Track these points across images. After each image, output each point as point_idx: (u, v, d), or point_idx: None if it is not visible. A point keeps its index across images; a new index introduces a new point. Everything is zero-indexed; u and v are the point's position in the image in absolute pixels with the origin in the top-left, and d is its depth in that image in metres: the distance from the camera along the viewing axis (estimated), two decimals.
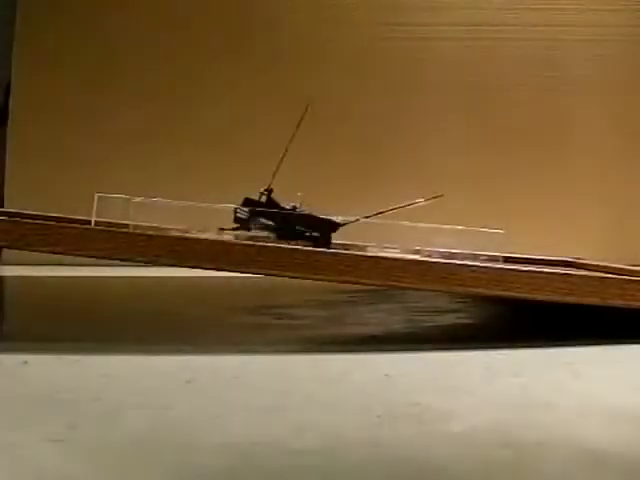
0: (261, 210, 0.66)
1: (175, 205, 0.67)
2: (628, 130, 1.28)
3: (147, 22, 1.26)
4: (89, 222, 0.64)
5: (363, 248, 0.70)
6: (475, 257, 0.67)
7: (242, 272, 0.60)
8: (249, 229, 0.65)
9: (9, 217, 0.61)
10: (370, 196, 0.91)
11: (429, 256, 0.66)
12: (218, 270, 0.60)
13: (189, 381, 0.52)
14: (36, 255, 0.59)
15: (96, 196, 0.64)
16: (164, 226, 0.65)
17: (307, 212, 0.67)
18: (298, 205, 0.67)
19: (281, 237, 0.65)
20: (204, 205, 0.66)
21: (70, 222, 0.67)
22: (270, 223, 0.65)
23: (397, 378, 0.54)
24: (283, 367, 0.57)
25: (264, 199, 0.67)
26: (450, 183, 1.25)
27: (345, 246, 0.71)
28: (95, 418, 0.43)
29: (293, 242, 0.65)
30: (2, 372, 0.53)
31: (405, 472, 0.37)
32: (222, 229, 0.65)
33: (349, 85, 1.27)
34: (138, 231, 0.61)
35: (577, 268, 0.82)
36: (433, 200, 0.71)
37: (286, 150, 0.68)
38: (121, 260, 0.60)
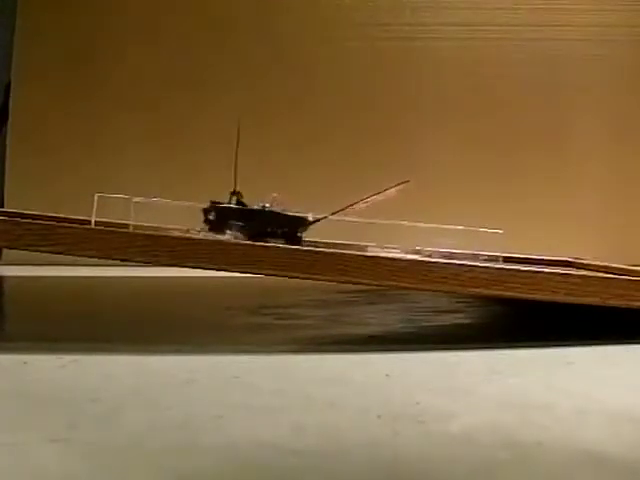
0: (230, 210, 0.65)
1: (175, 205, 0.67)
2: (628, 130, 1.28)
3: (148, 23, 1.27)
4: (89, 222, 0.64)
5: (363, 248, 0.70)
6: (475, 257, 0.67)
7: (242, 272, 0.60)
8: (223, 231, 0.65)
9: (9, 217, 0.61)
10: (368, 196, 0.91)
11: (429, 256, 0.66)
12: (218, 270, 0.60)
13: (189, 381, 0.52)
14: (36, 255, 0.59)
15: (96, 196, 0.64)
16: (164, 226, 0.65)
17: (277, 211, 0.67)
18: (268, 205, 0.67)
19: (252, 237, 0.65)
20: (204, 205, 0.66)
21: (70, 222, 0.67)
22: (240, 223, 0.65)
23: (397, 378, 0.54)
24: (283, 367, 0.57)
25: (234, 201, 0.67)
26: (450, 183, 1.25)
27: (345, 246, 0.71)
28: (95, 418, 0.43)
29: (264, 240, 0.64)
30: (2, 372, 0.53)
31: (405, 472, 0.37)
32: (188, 230, 0.65)
33: (349, 85, 1.28)
34: (138, 231, 0.61)
35: (577, 268, 0.82)
36: (401, 187, 0.70)
37: (236, 162, 0.67)
38: (121, 260, 0.60)
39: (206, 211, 0.66)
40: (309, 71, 1.27)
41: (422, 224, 0.67)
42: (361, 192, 0.71)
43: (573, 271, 0.72)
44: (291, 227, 0.66)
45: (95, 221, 0.64)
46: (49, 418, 0.43)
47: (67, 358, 0.56)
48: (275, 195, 0.67)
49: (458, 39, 1.27)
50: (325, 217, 0.68)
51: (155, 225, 0.64)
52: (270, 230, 0.65)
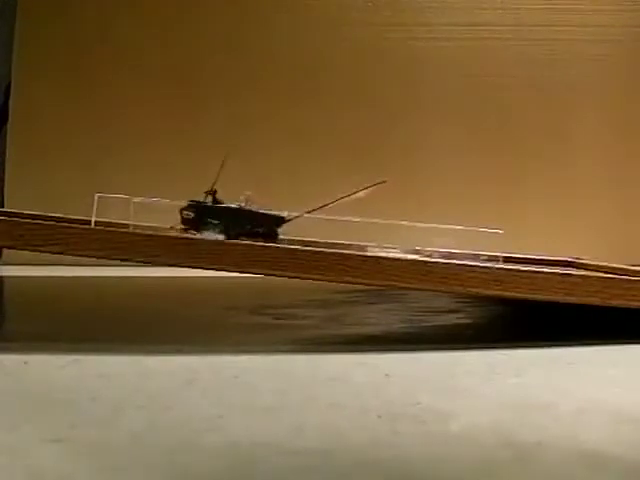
0: (207, 209, 0.65)
1: (175, 205, 0.67)
2: (628, 130, 1.28)
3: (147, 22, 1.27)
4: (89, 222, 0.64)
5: (363, 248, 0.70)
6: (475, 257, 0.67)
7: (242, 272, 0.60)
8: (198, 229, 0.65)
9: (9, 217, 0.61)
10: (369, 196, 0.91)
11: (429, 256, 0.66)
12: (218, 270, 0.60)
13: (189, 381, 0.52)
14: (36, 255, 0.59)
15: (96, 196, 0.64)
16: (164, 226, 0.65)
17: (253, 209, 0.66)
18: (243, 204, 0.66)
19: (229, 236, 0.65)
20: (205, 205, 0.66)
21: (70, 222, 0.67)
22: (217, 222, 0.65)
23: (397, 378, 0.54)
24: (283, 367, 0.57)
25: (209, 200, 0.66)
26: (450, 183, 1.25)
27: (345, 246, 0.71)
28: (95, 418, 0.43)
29: (241, 239, 0.64)
30: (2, 372, 0.53)
31: (405, 472, 0.37)
32: (172, 227, 0.65)
33: (348, 85, 1.27)
34: (138, 231, 0.61)
35: (577, 268, 0.82)
36: (375, 187, 0.70)
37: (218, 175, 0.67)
38: (121, 260, 0.60)
39: (183, 210, 0.65)
40: (308, 71, 1.27)
41: (422, 224, 0.67)
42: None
43: (573, 271, 0.72)
44: (269, 225, 0.66)
45: (95, 221, 0.64)
46: (49, 418, 0.43)
47: (67, 358, 0.56)
48: (249, 193, 0.67)
49: (458, 39, 1.27)
50: (301, 215, 0.68)
51: (155, 225, 0.64)
52: (248, 229, 0.65)
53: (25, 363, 0.55)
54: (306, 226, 0.69)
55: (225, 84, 1.26)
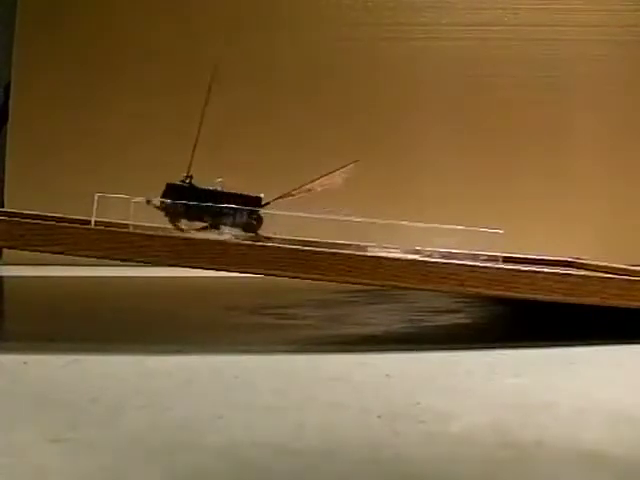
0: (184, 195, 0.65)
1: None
2: (628, 130, 1.28)
3: (148, 21, 1.27)
4: (89, 222, 0.64)
5: (363, 248, 0.70)
6: (475, 257, 0.67)
7: (242, 272, 0.60)
8: (178, 218, 0.65)
9: (9, 217, 0.61)
10: (368, 196, 0.91)
11: (429, 256, 0.66)
12: (218, 270, 0.60)
13: (189, 381, 0.52)
14: (36, 255, 0.59)
15: (96, 196, 0.64)
16: (164, 226, 0.65)
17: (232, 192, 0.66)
18: (219, 188, 0.66)
19: (209, 222, 0.65)
20: (206, 205, 0.66)
21: (70, 222, 0.67)
22: (196, 209, 0.65)
23: (397, 378, 0.54)
24: (283, 367, 0.57)
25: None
26: (449, 183, 1.25)
27: (345, 246, 0.71)
28: (95, 418, 0.43)
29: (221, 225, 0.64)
30: (2, 372, 0.53)
31: (405, 472, 0.37)
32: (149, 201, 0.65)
33: (348, 85, 1.28)
34: (138, 231, 0.61)
35: (577, 268, 0.82)
36: (349, 169, 0.70)
37: (197, 139, 0.68)
38: (121, 260, 0.60)
39: (163, 195, 0.65)
40: (307, 71, 1.27)
41: (422, 224, 0.67)
42: (360, 192, 0.71)
43: (573, 271, 0.72)
44: (248, 216, 0.66)
45: (95, 221, 0.64)
46: (49, 418, 0.43)
47: (67, 358, 0.56)
48: (220, 180, 0.67)
49: (458, 39, 1.27)
50: (278, 198, 0.68)
51: (155, 225, 0.64)
52: (226, 215, 0.65)
53: (25, 363, 0.55)
54: (306, 226, 0.69)
55: (224, 84, 1.26)
